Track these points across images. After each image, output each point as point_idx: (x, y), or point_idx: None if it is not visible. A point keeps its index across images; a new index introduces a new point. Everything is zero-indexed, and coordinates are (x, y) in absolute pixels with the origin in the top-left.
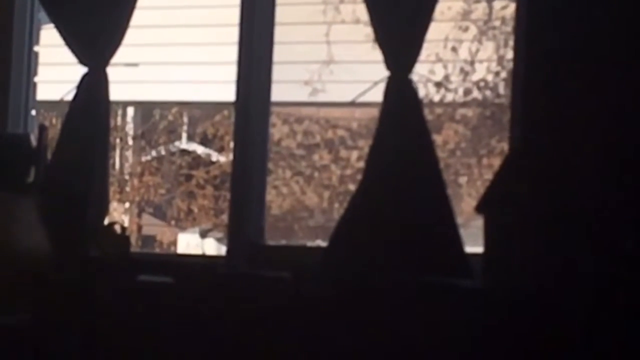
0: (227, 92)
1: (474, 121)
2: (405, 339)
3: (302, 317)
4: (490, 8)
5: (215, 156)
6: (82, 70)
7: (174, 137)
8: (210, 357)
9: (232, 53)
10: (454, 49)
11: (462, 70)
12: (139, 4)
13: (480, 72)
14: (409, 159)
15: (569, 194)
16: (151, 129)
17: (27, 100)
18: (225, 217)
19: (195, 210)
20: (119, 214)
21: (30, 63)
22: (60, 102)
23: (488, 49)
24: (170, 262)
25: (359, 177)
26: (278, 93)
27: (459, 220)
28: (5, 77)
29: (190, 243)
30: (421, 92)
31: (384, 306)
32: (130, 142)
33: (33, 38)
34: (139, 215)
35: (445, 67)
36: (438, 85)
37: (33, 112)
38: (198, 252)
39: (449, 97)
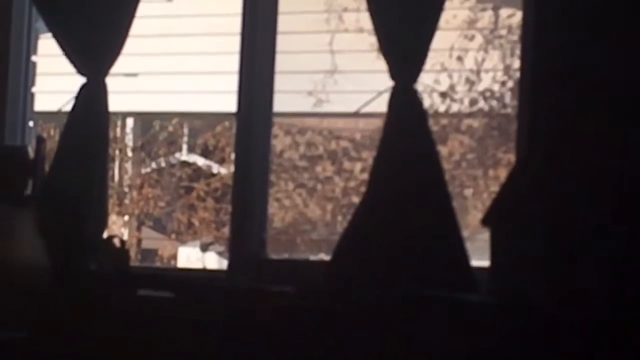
0: (228, 103)
1: (480, 132)
2: (409, 354)
3: (305, 333)
4: (497, 17)
5: (216, 168)
6: (81, 80)
7: (174, 148)
8: None
9: (233, 63)
10: (459, 59)
11: (468, 80)
12: (138, 13)
13: (486, 82)
14: (414, 171)
15: (577, 207)
16: (151, 140)
17: (25, 112)
18: (226, 231)
19: (196, 223)
20: (118, 228)
21: (28, 73)
22: (58, 113)
23: (494, 59)
24: (171, 277)
25: (363, 189)
26: (280, 104)
27: (465, 233)
28: (3, 88)
29: (191, 257)
30: (426, 103)
31: (388, 321)
32: (130, 154)
33: (31, 48)
34: (139, 228)
35: (450, 77)
36: (443, 95)
37: (31, 124)
38: (199, 266)
39: (455, 107)
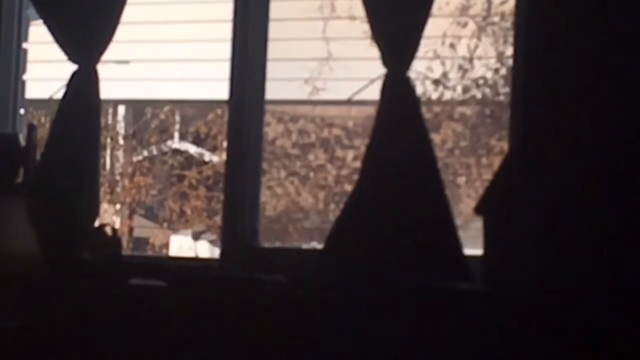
0: (220, 90)
1: (472, 120)
2: (402, 343)
3: (298, 321)
4: (489, 3)
5: (208, 156)
6: (72, 67)
7: (165, 136)
8: None
9: (225, 50)
10: (452, 46)
11: (460, 67)
12: (130, 0)
13: (479, 69)
14: (407, 159)
15: (569, 194)
16: (142, 128)
17: (15, 99)
18: (218, 219)
19: (188, 211)
20: (109, 216)
21: (18, 60)
22: (49, 101)
23: (487, 46)
24: (163, 265)
25: (355, 177)
26: (273, 91)
27: (458, 221)
28: None
29: (183, 245)
30: (419, 90)
31: (381, 309)
32: (121, 141)
33: (22, 35)
34: (130, 217)
35: (443, 64)
36: (436, 82)
37: (22, 111)
38: (191, 254)
39: (447, 95)
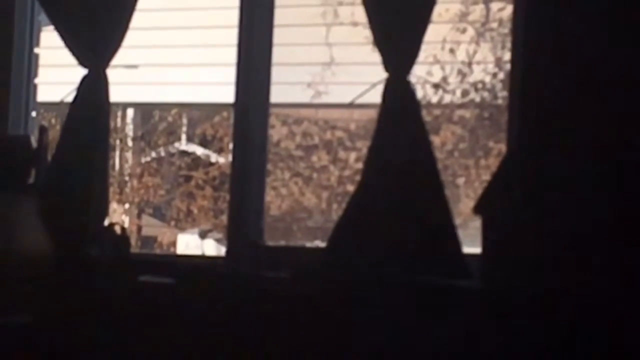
0: (226, 94)
1: (471, 122)
2: (403, 340)
3: (301, 318)
4: (488, 10)
5: (214, 157)
6: (82, 72)
7: (173, 138)
8: (210, 358)
9: (231, 55)
10: (451, 51)
11: (459, 71)
12: (138, 6)
13: (478, 73)
14: (407, 160)
15: (567, 195)
16: (151, 130)
17: (27, 102)
18: (224, 218)
19: (195, 211)
20: (118, 215)
21: (30, 65)
22: (60, 104)
23: (485, 51)
24: (170, 263)
25: (358, 178)
26: (277, 94)
27: (457, 221)
28: (6, 79)
29: (190, 244)
30: (419, 94)
31: (382, 307)
32: (130, 143)
33: (33, 40)
34: (139, 216)
35: (443, 68)
36: (436, 86)
37: (33, 114)
38: (198, 252)
39: (447, 98)
